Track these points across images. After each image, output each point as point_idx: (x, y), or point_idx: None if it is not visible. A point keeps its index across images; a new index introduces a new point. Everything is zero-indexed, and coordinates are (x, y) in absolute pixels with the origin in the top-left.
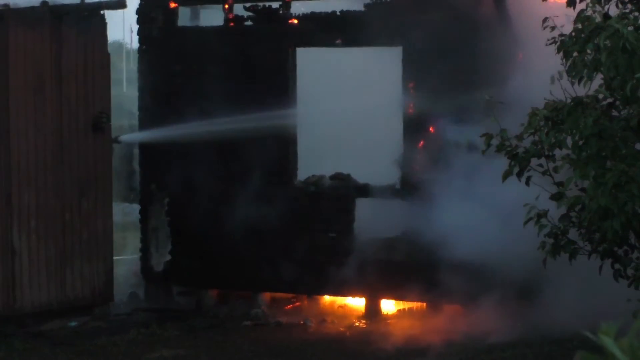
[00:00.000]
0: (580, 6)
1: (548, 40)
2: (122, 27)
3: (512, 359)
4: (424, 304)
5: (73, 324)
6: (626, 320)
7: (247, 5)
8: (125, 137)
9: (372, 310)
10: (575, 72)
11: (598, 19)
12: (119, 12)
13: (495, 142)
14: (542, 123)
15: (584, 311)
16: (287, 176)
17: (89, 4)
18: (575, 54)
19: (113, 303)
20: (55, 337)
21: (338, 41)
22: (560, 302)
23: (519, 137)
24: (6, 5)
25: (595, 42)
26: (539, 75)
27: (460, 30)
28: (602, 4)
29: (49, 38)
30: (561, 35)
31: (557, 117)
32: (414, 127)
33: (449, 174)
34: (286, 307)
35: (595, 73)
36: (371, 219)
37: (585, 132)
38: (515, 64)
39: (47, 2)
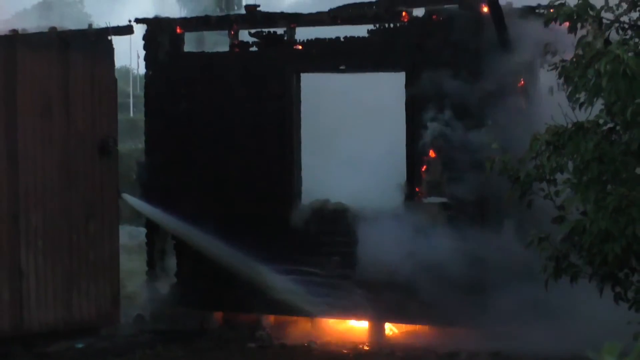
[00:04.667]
0: (581, 32)
1: (549, 65)
2: (129, 53)
3: None
4: (427, 326)
5: (80, 344)
6: (628, 342)
7: (252, 31)
8: (127, 197)
9: (376, 332)
10: (576, 97)
11: (599, 44)
12: (125, 38)
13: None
14: (543, 147)
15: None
16: (291, 200)
17: (97, 30)
18: (576, 79)
19: (119, 324)
20: (62, 358)
21: (342, 67)
22: (562, 323)
23: (521, 161)
24: (15, 31)
25: (596, 67)
26: (541, 100)
27: (462, 55)
28: (603, 30)
29: (57, 63)
30: (562, 60)
31: (558, 141)
32: (417, 151)
33: (451, 197)
34: (290, 330)
35: (596, 98)
36: (374, 243)
37: (586, 157)
38: (517, 88)
39: (55, 28)
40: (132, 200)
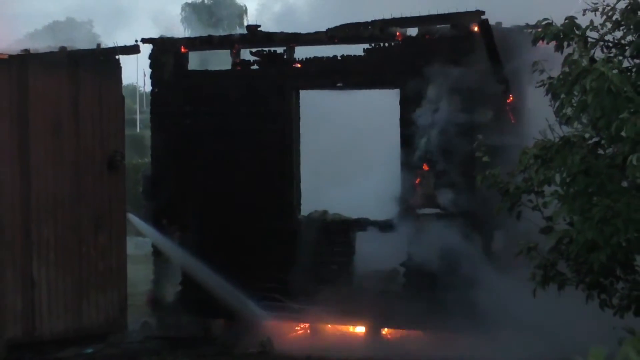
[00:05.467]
0: (567, 50)
1: (537, 82)
2: (136, 71)
3: None
4: (422, 331)
5: (89, 350)
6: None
7: (253, 50)
8: (132, 218)
9: (373, 338)
10: (563, 112)
11: (584, 62)
12: (132, 57)
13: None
14: (532, 161)
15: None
16: (290, 211)
17: (105, 49)
18: (562, 95)
19: (127, 331)
20: None
21: (339, 84)
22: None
23: (511, 174)
24: (27, 50)
25: (582, 84)
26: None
27: (454, 73)
28: (589, 49)
29: (67, 81)
30: (549, 78)
31: (546, 155)
32: (411, 164)
33: (443, 208)
34: (291, 335)
35: (582, 113)
36: (370, 252)
37: (573, 170)
38: (507, 105)
39: (65, 48)
40: (135, 221)
